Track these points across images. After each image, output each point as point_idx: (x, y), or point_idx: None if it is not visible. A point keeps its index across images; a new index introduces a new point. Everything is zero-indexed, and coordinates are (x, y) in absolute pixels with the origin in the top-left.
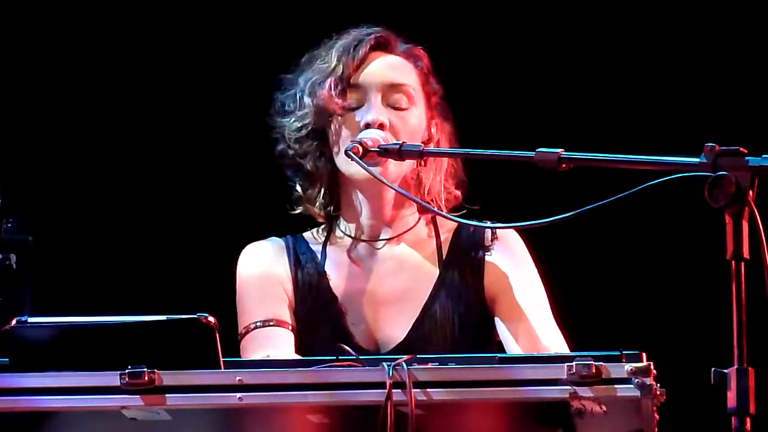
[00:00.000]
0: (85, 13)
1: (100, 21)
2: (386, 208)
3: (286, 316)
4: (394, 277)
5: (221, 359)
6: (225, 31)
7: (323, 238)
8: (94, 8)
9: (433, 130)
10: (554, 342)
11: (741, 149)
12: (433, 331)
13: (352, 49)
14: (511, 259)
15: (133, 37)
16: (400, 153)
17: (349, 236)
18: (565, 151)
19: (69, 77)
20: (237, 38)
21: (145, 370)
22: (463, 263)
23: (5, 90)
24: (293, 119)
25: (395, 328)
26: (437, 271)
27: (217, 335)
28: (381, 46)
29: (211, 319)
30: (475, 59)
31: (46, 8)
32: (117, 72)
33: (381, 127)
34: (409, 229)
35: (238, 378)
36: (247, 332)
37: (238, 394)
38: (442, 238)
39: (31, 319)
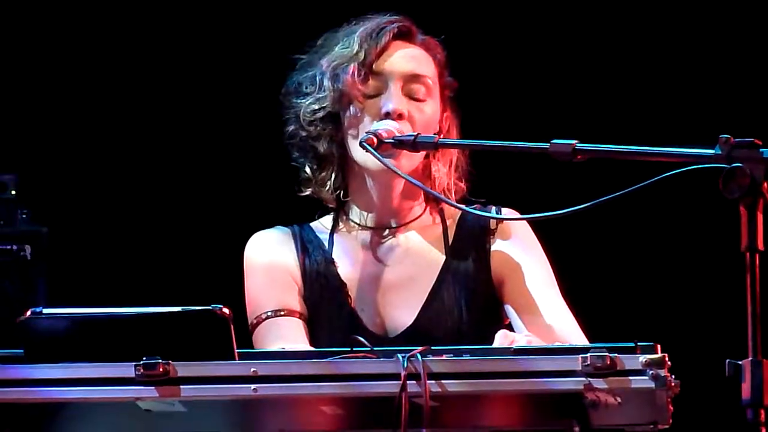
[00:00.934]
0: (93, 6)
1: (106, 12)
2: (396, 198)
3: (296, 304)
4: (401, 264)
5: (236, 350)
6: (230, 20)
7: (330, 227)
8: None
9: (443, 122)
10: (565, 323)
11: (756, 141)
12: (441, 315)
13: (374, 36)
14: (517, 244)
15: (139, 26)
16: (414, 144)
17: (357, 223)
18: (580, 143)
19: (82, 72)
20: (241, 27)
21: (160, 361)
22: (468, 249)
23: (20, 85)
24: (310, 101)
25: (403, 313)
26: (443, 257)
27: (232, 326)
28: (403, 35)
29: (226, 310)
30: (489, 51)
31: (60, 4)
32: (126, 65)
33: (399, 117)
34: (417, 218)
35: (252, 369)
36: (258, 322)
37: (253, 386)
38: (447, 224)
39: (45, 310)
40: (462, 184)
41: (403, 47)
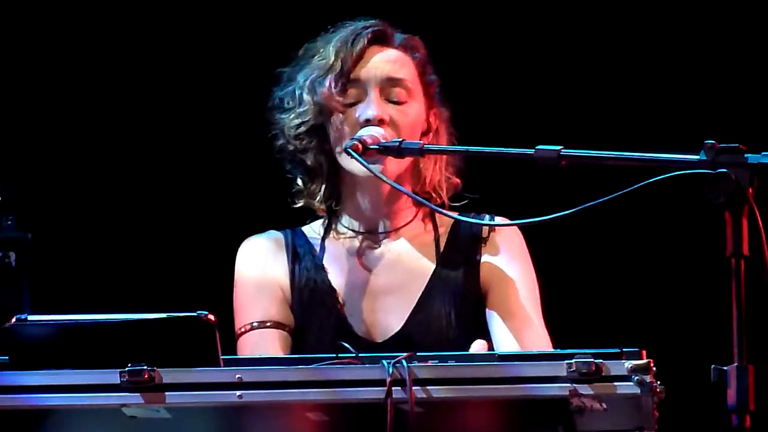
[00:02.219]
0: (83, 11)
1: (97, 19)
2: (385, 203)
3: (283, 317)
4: (391, 270)
5: (221, 357)
6: (220, 26)
7: (322, 232)
8: (93, 7)
9: (431, 119)
10: (537, 341)
11: (740, 146)
12: (429, 322)
13: (350, 44)
14: (505, 254)
15: (130, 33)
16: (399, 151)
17: (349, 229)
18: (565, 149)
19: (67, 75)
20: (232, 33)
21: (145, 368)
22: (459, 256)
23: (4, 89)
24: (293, 116)
25: (392, 318)
26: (434, 264)
27: (217, 333)
28: (378, 39)
29: (211, 316)
30: (475, 56)
31: (47, 8)
32: (114, 70)
33: (381, 122)
34: (408, 223)
35: (237, 376)
36: (244, 332)
37: (238, 392)
38: (440, 231)
39: (30, 317)
40: (455, 179)
41: (378, 51)
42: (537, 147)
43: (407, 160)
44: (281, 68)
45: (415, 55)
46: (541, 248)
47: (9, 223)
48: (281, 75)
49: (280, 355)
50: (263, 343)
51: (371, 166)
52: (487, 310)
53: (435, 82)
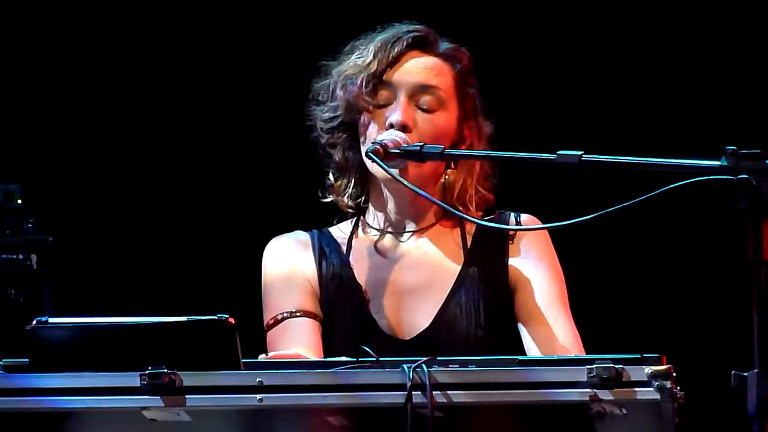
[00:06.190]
0: (107, 11)
1: (120, 17)
2: (411, 204)
3: (313, 307)
4: (418, 269)
5: (241, 360)
6: (254, 21)
7: (349, 231)
8: (118, 9)
9: (466, 132)
10: (568, 343)
11: (762, 152)
12: (457, 320)
13: (389, 47)
14: (533, 254)
15: (155, 32)
16: (420, 155)
17: (376, 228)
18: (586, 154)
19: (88, 80)
20: (264, 29)
21: (166, 371)
22: (487, 255)
23: (25, 93)
24: (325, 109)
25: (419, 317)
26: (461, 263)
27: (238, 336)
28: (419, 45)
29: (232, 320)
30: (497, 61)
31: (67, 11)
32: (134, 71)
33: (404, 128)
34: (435, 223)
35: (258, 379)
36: (275, 323)
37: (259, 396)
38: (467, 231)
39: (51, 320)
40: (488, 195)
41: (416, 57)
42: (558, 152)
43: (429, 166)
44: (323, 61)
45: (456, 65)
46: (562, 253)
47: (30, 225)
48: (322, 68)
49: (311, 344)
50: (293, 333)
51: (392, 170)
52: (516, 312)
53: (475, 95)
